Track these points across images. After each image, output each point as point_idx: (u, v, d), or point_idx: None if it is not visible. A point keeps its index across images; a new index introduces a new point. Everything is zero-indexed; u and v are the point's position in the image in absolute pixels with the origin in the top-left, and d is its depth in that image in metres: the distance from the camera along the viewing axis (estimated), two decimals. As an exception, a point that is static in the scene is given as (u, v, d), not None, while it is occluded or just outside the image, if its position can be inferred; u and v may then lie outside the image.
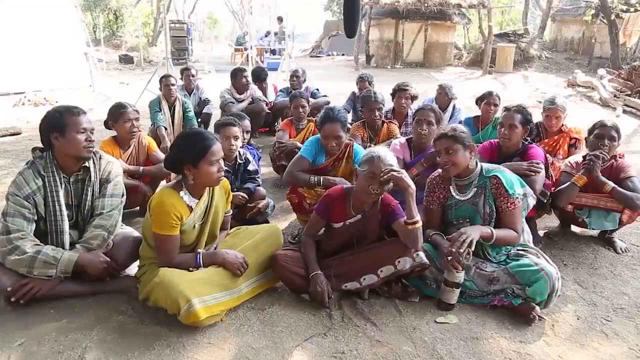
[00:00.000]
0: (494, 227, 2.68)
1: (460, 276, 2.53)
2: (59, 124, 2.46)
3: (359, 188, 2.64)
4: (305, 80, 6.52)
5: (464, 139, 2.67)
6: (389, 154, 2.62)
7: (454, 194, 2.79)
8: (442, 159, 2.70)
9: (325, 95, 6.41)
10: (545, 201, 3.33)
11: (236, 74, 6.11)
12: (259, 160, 3.93)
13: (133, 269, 2.76)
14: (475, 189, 2.73)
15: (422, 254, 2.58)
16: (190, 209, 2.48)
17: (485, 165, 2.79)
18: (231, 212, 2.91)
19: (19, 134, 6.66)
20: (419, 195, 3.43)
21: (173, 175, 3.01)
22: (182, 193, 2.45)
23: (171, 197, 2.41)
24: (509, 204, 2.65)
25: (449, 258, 2.50)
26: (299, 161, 3.40)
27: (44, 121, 2.51)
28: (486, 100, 4.72)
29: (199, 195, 2.52)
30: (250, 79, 6.24)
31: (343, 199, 2.75)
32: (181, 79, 6.41)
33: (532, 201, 2.88)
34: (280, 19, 19.92)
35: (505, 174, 2.70)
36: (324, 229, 2.88)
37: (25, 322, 2.39)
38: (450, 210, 2.81)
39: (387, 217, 2.69)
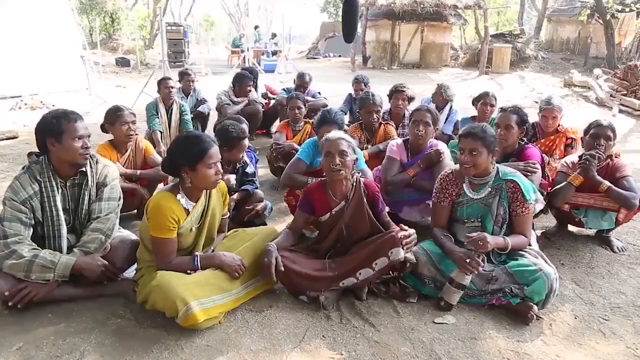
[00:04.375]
0: (505, 230, 2.69)
1: (468, 279, 2.54)
2: (55, 129, 2.45)
3: (326, 172, 2.77)
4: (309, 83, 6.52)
5: (491, 142, 2.66)
6: (335, 133, 2.85)
7: (467, 191, 2.77)
8: (464, 157, 2.66)
9: (325, 98, 6.40)
10: (541, 201, 3.34)
11: (242, 79, 6.05)
12: (256, 162, 3.92)
13: (131, 272, 2.76)
14: (490, 189, 2.73)
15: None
16: (187, 212, 2.48)
17: (502, 168, 2.78)
18: (228, 214, 2.91)
19: (15, 137, 6.63)
20: (416, 196, 3.46)
21: (170, 178, 3.01)
22: (179, 196, 2.45)
23: (168, 200, 2.41)
24: (524, 208, 2.66)
25: (468, 260, 2.48)
26: (296, 164, 3.40)
27: (40, 126, 2.49)
28: (482, 100, 4.74)
29: (196, 198, 2.52)
30: (252, 87, 6.21)
31: (322, 189, 2.83)
32: (179, 81, 6.39)
33: (539, 206, 2.87)
34: (256, 27, 19.95)
35: (523, 180, 2.70)
36: (317, 232, 2.90)
37: (23, 326, 2.39)
38: (461, 208, 2.80)
39: (373, 205, 2.81)
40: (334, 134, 2.82)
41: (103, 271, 2.56)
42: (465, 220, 2.79)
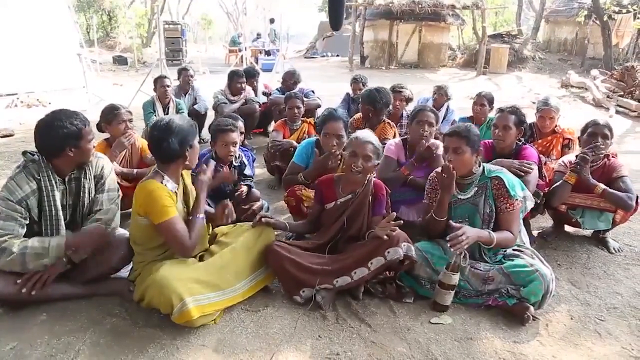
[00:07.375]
0: (492, 228, 2.68)
1: (456, 278, 2.54)
2: (77, 136, 2.44)
3: (346, 169, 2.84)
4: (297, 82, 6.42)
5: (475, 142, 2.67)
6: (366, 133, 2.87)
7: (454, 192, 2.78)
8: (449, 157, 2.70)
9: (319, 98, 6.37)
10: (538, 201, 3.34)
11: (232, 77, 6.07)
12: (253, 161, 3.92)
13: (125, 272, 2.74)
14: (476, 188, 2.74)
15: (411, 246, 2.60)
16: (175, 194, 2.49)
17: (487, 166, 2.80)
18: None
19: (11, 135, 6.60)
20: (414, 195, 3.46)
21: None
22: (164, 181, 2.44)
23: (155, 184, 2.40)
24: (508, 204, 2.66)
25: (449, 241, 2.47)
26: (292, 168, 3.51)
27: (60, 133, 2.39)
28: (474, 100, 4.79)
29: (177, 181, 2.54)
30: (245, 84, 6.19)
31: (331, 183, 2.92)
32: (178, 79, 6.38)
33: (530, 204, 2.88)
34: (272, 21, 19.93)
35: (508, 176, 2.72)
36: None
37: (17, 325, 2.37)
38: (450, 209, 2.80)
39: (374, 203, 2.86)
40: (364, 134, 2.84)
41: (97, 240, 2.55)
42: (454, 221, 2.79)
